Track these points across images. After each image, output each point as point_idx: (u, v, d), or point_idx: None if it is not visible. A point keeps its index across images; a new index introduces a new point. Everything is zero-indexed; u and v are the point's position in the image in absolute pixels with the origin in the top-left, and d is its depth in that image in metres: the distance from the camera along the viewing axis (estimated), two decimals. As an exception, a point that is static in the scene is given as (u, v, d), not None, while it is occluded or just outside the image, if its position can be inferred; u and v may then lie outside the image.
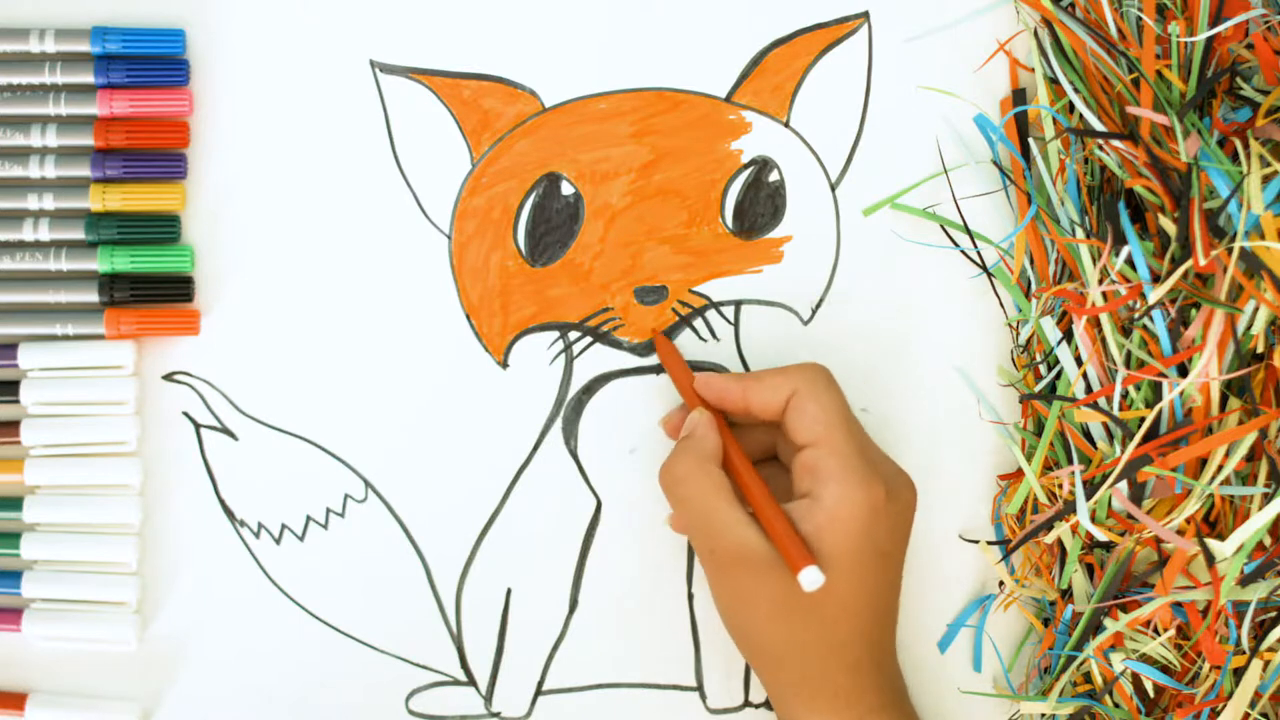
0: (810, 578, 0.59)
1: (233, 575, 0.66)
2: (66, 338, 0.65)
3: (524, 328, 0.67)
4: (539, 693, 0.67)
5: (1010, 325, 0.68)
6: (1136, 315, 0.63)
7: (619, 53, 0.67)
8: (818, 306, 0.67)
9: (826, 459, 0.61)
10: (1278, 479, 0.62)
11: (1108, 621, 0.64)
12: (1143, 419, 0.62)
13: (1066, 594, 0.66)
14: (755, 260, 0.67)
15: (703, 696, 0.67)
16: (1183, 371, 0.63)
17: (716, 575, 0.62)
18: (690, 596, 0.67)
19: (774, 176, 0.67)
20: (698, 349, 0.67)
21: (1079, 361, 0.65)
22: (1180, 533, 0.63)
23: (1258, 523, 0.62)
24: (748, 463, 0.62)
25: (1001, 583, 0.67)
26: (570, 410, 0.67)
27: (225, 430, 0.66)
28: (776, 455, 0.65)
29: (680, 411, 0.65)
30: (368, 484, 0.66)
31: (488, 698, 0.67)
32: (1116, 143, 0.64)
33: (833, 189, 0.68)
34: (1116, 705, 0.65)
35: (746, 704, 0.67)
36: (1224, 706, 0.63)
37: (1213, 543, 0.62)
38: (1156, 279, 0.63)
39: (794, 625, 0.61)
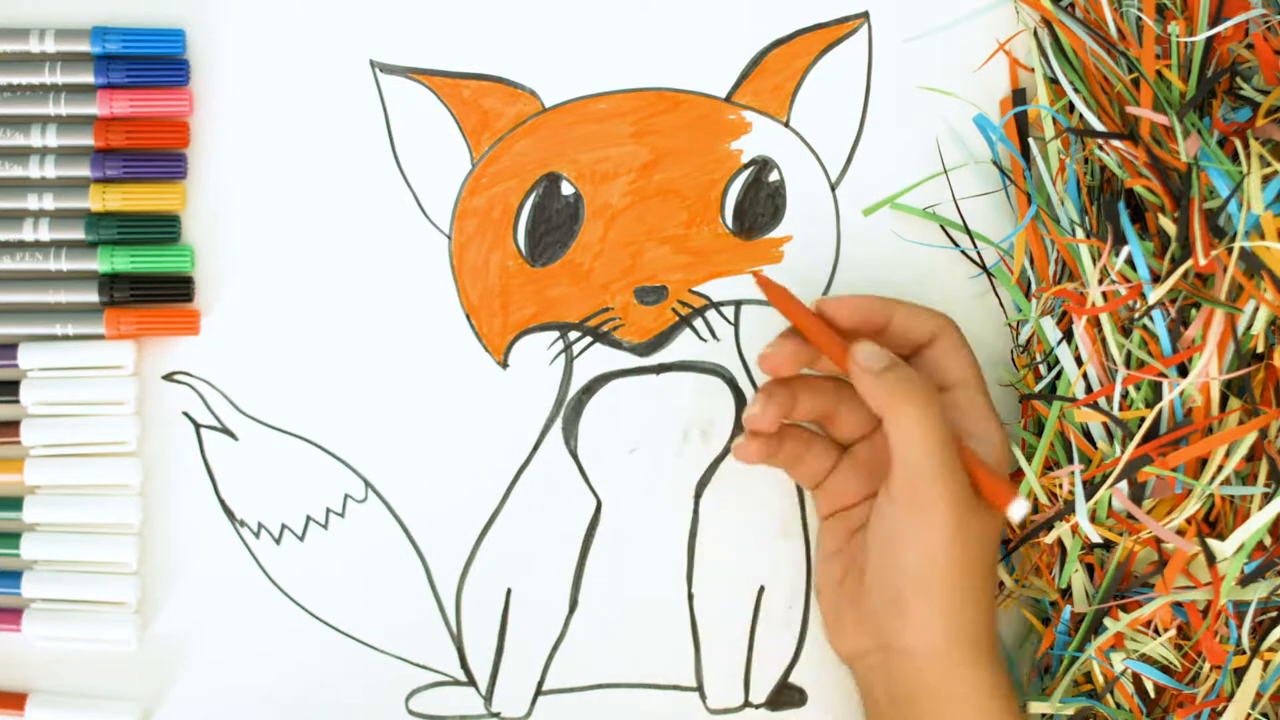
0: (1020, 508, 0.60)
1: (233, 575, 0.66)
2: (66, 338, 0.65)
3: (524, 328, 0.67)
4: (539, 693, 0.67)
5: (1010, 325, 0.68)
6: (1136, 315, 0.63)
7: (619, 53, 0.67)
8: (818, 306, 0.67)
9: (981, 399, 0.62)
10: (1278, 479, 0.62)
11: (1108, 621, 0.64)
12: (1143, 419, 0.62)
13: (1066, 594, 0.66)
14: (755, 260, 0.67)
15: (703, 696, 0.67)
16: (1183, 371, 0.63)
17: (951, 514, 0.59)
18: (690, 596, 0.67)
19: (774, 176, 0.67)
20: (698, 349, 0.67)
21: (1079, 361, 0.65)
22: (1180, 533, 0.63)
23: (1258, 523, 0.62)
24: None
25: (1001, 583, 0.67)
26: (570, 410, 0.67)
27: (225, 430, 0.66)
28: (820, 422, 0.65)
29: (785, 342, 0.62)
30: (368, 484, 0.66)
31: (488, 698, 0.67)
32: (1116, 143, 0.64)
33: (833, 189, 0.68)
34: (1118, 705, 0.65)
35: (746, 704, 0.67)
36: (1225, 707, 0.63)
37: (1213, 543, 0.62)
38: (1156, 279, 0.63)
39: (988, 566, 0.61)
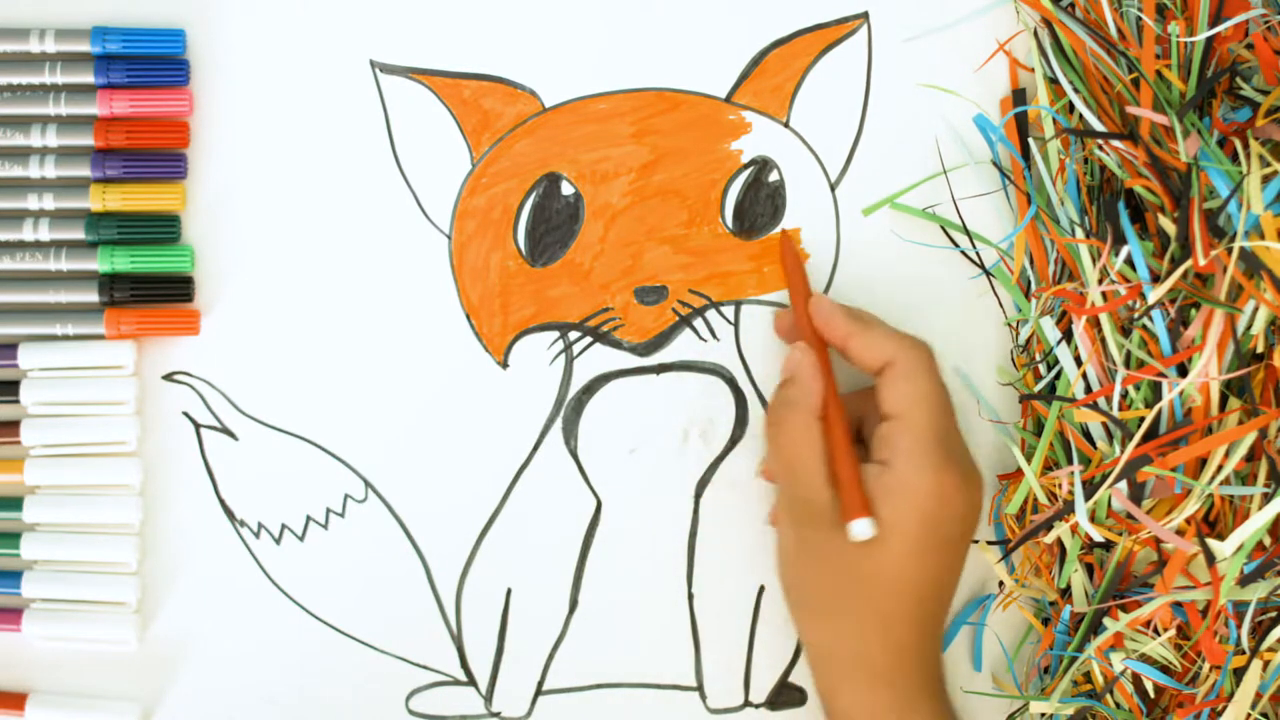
0: (860, 528, 0.60)
1: (233, 575, 0.66)
2: (66, 338, 0.65)
3: (524, 328, 0.67)
4: (539, 693, 0.67)
5: (1010, 325, 0.68)
6: (1136, 315, 0.63)
7: (619, 53, 0.67)
8: (818, 306, 0.67)
9: (904, 436, 0.61)
10: (1278, 479, 0.62)
11: (1108, 621, 0.64)
12: (1142, 419, 0.62)
13: (1066, 594, 0.66)
14: (755, 260, 0.67)
15: (703, 696, 0.67)
16: (1183, 371, 0.63)
17: (787, 525, 0.63)
18: (690, 596, 0.67)
19: (774, 176, 0.67)
20: (698, 349, 0.67)
21: (1079, 361, 0.65)
22: (1180, 533, 0.63)
23: (1258, 523, 0.62)
24: (843, 413, 0.62)
25: (1001, 583, 0.67)
26: (570, 410, 0.67)
27: (225, 430, 0.66)
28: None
29: (788, 314, 0.66)
30: (368, 484, 0.66)
31: (488, 698, 0.67)
32: (1116, 143, 0.64)
33: (833, 189, 0.68)
34: (1118, 705, 0.65)
35: (746, 704, 0.67)
36: (1224, 707, 0.63)
37: (1213, 543, 0.62)
38: (1156, 279, 0.63)
39: (847, 590, 0.61)
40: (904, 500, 0.60)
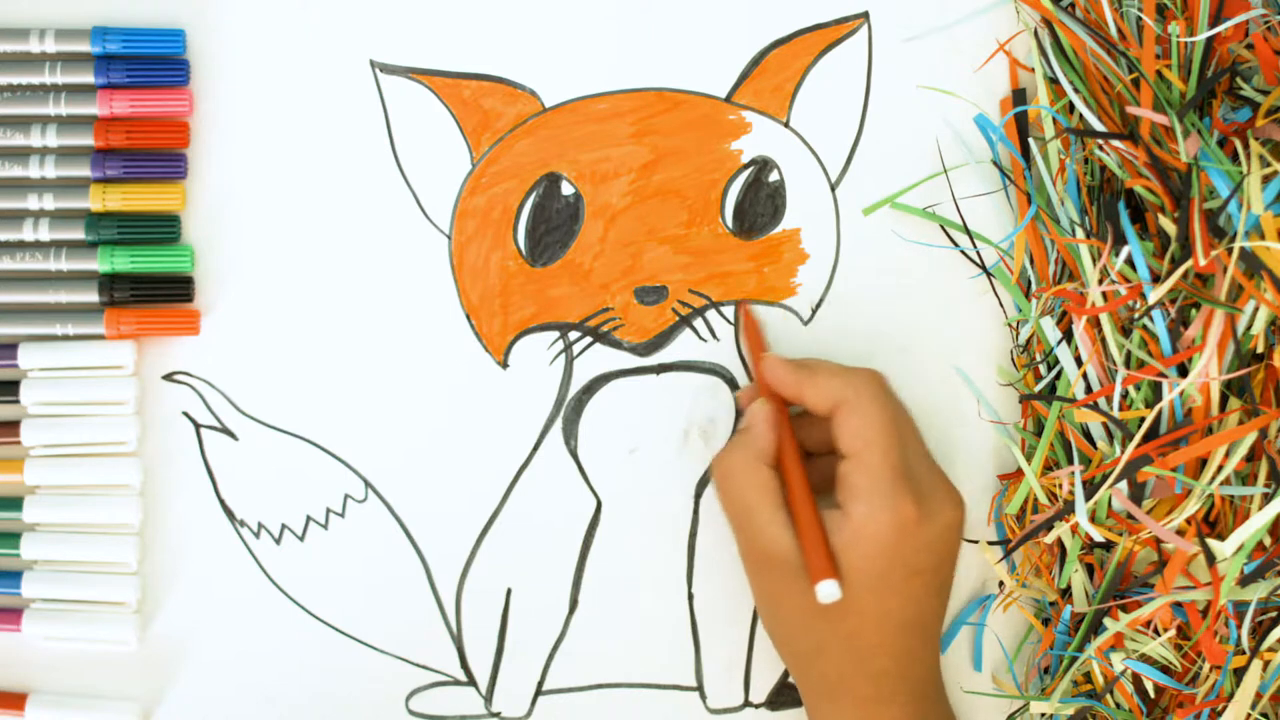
0: (825, 590, 0.59)
1: (233, 575, 0.66)
2: (66, 338, 0.65)
3: (524, 328, 0.67)
4: (539, 693, 0.67)
5: (1010, 325, 0.68)
6: (1136, 315, 0.63)
7: (619, 53, 0.67)
8: (818, 306, 0.67)
9: (857, 475, 0.60)
10: (1278, 479, 0.62)
11: (1108, 621, 0.64)
12: (1143, 419, 0.62)
13: (1066, 594, 0.66)
14: (755, 260, 0.67)
15: (703, 696, 0.67)
16: (1183, 371, 0.63)
17: (749, 571, 0.63)
18: (690, 596, 0.67)
19: (774, 176, 0.67)
20: (698, 349, 0.67)
21: (1079, 361, 0.65)
22: (1180, 533, 0.63)
23: (1258, 523, 0.62)
24: (799, 463, 0.62)
25: (1001, 583, 0.67)
26: (570, 410, 0.67)
27: (225, 430, 0.66)
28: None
29: (753, 389, 0.66)
30: (368, 484, 0.66)
31: (488, 698, 0.67)
32: (1116, 143, 0.64)
33: (833, 189, 0.68)
34: (1118, 705, 0.65)
35: (746, 704, 0.67)
36: (1224, 707, 0.63)
37: (1213, 543, 0.62)
38: (1156, 279, 0.63)
39: (817, 631, 0.61)
40: (862, 546, 0.60)
